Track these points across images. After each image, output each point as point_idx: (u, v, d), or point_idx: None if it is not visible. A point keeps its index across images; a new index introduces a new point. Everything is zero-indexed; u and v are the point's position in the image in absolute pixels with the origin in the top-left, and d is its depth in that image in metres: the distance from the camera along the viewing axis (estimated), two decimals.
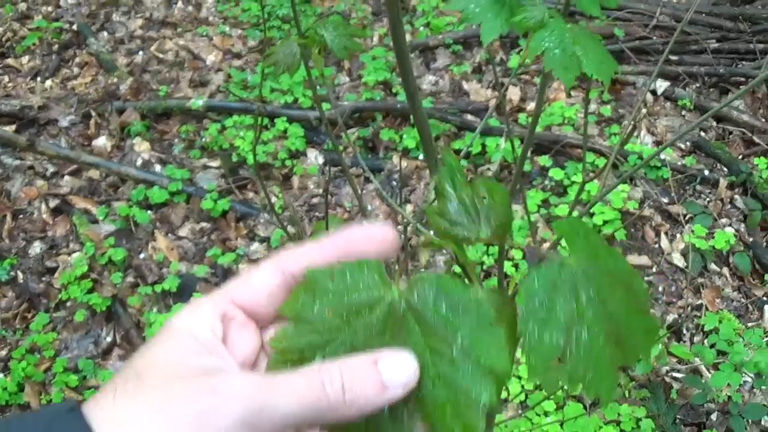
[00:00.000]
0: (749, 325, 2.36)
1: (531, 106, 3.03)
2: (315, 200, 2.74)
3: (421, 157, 2.83)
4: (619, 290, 0.52)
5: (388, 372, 0.47)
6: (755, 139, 2.99)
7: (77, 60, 3.35)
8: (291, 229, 2.60)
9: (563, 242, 0.54)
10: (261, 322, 0.52)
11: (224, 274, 2.53)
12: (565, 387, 0.49)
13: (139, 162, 2.88)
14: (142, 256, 2.60)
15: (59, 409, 0.43)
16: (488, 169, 2.78)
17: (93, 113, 3.05)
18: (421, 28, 3.44)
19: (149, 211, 2.70)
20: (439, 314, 0.49)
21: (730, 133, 3.04)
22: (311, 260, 0.51)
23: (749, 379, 2.22)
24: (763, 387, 2.21)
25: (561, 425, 2.08)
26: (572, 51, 0.73)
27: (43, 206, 2.74)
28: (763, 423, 2.17)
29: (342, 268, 0.51)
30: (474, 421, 0.48)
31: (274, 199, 2.75)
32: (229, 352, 0.49)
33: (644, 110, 2.99)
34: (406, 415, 0.48)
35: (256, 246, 2.62)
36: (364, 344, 0.49)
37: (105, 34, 3.47)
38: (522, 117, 2.99)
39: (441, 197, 0.56)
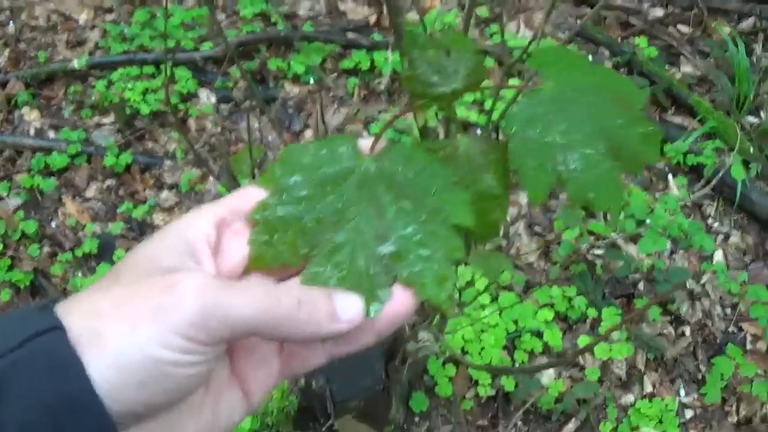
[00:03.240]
0: (657, 195, 2.51)
1: (409, 15, 3.09)
2: (214, 140, 2.77)
3: (311, 81, 2.88)
4: (609, 104, 0.55)
5: (340, 306, 0.50)
6: (631, 20, 3.12)
7: None
8: (197, 171, 2.65)
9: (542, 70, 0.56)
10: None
11: (140, 228, 2.56)
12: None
13: (32, 131, 2.86)
14: (53, 224, 2.61)
15: (33, 308, 0.46)
16: (379, 83, 2.85)
17: None
18: None
19: (52, 178, 2.69)
20: (408, 179, 0.53)
21: (605, 18, 3.16)
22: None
23: (668, 246, 2.37)
24: (685, 249, 2.37)
25: (499, 314, 2.21)
26: None
27: None
28: (687, 287, 2.34)
29: (317, 143, 0.54)
30: (449, 273, 0.51)
31: (174, 145, 2.77)
32: (218, 258, 0.51)
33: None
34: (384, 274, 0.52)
35: (165, 194, 2.65)
36: (341, 212, 0.52)
37: None
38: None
39: (410, 63, 0.57)
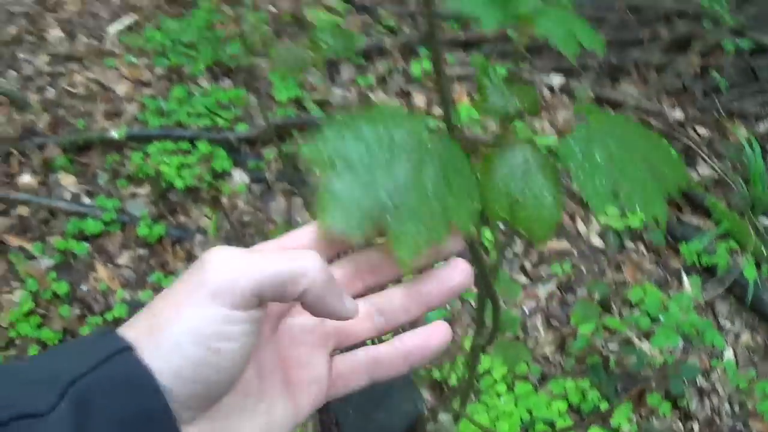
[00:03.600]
0: (671, 293, 2.62)
1: (437, 110, 3.25)
2: (246, 218, 2.87)
3: None
4: (641, 139, 0.67)
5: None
6: (651, 122, 3.29)
7: None
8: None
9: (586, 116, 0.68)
10: None
11: None
12: None
13: (67, 196, 2.95)
14: (85, 287, 2.68)
15: (96, 335, 0.50)
16: None
17: (14, 151, 3.09)
18: (323, 45, 3.60)
19: (86, 243, 2.78)
20: (446, 173, 0.61)
21: None
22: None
23: (680, 344, 2.47)
24: (699, 346, 2.47)
25: (515, 403, 2.29)
26: (570, 29, 0.83)
27: None
28: (697, 383, 2.43)
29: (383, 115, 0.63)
30: (421, 248, 0.58)
31: (206, 221, 2.87)
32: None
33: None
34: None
35: None
36: (403, 180, 0.60)
37: (13, 72, 3.50)
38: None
39: (482, 89, 0.71)
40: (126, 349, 0.48)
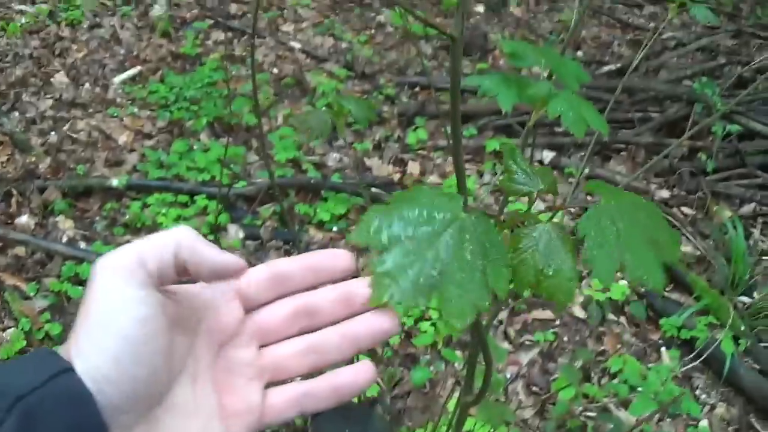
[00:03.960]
0: (649, 365, 2.70)
1: (431, 179, 3.36)
2: None
3: (335, 228, 3.09)
4: (643, 214, 0.75)
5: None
6: None
7: None
8: None
9: (595, 193, 0.76)
10: (246, 303, 0.64)
11: None
12: None
13: (64, 239, 3.01)
14: None
15: (43, 352, 0.55)
16: None
17: (14, 191, 3.15)
18: (324, 109, 3.71)
19: (80, 287, 2.82)
20: (482, 245, 0.68)
21: None
22: (289, 265, 0.65)
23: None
24: (672, 417, 2.55)
25: None
26: (580, 112, 0.92)
27: None
28: None
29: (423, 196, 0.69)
30: (468, 314, 0.65)
31: None
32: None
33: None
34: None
35: None
36: (445, 252, 0.67)
37: (16, 114, 3.58)
38: None
39: (508, 170, 0.78)
40: (68, 370, 0.52)
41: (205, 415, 0.60)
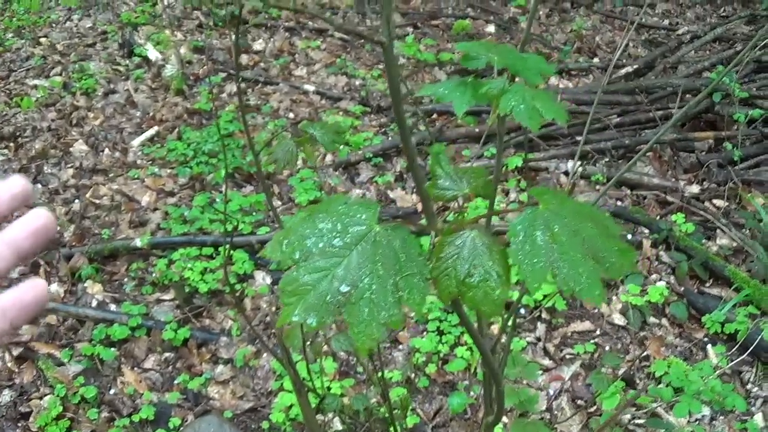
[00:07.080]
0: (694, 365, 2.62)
1: (455, 205, 3.32)
2: (269, 319, 2.92)
3: None
4: (589, 224, 0.71)
5: None
6: (668, 198, 3.35)
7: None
8: (252, 347, 2.78)
9: (538, 199, 0.73)
10: None
11: (195, 398, 2.66)
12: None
13: (94, 303, 3.01)
14: (112, 391, 2.72)
15: None
16: None
17: (41, 262, 3.17)
18: (341, 147, 3.71)
19: (113, 348, 2.82)
20: (396, 259, 0.67)
21: (644, 197, 3.39)
22: None
23: (707, 412, 2.47)
24: (721, 409, 2.46)
25: None
26: (533, 105, 0.87)
27: (7, 356, 2.82)
28: None
29: (338, 206, 0.68)
30: (377, 334, 0.64)
31: (230, 323, 2.92)
32: None
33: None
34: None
35: (221, 368, 2.77)
36: (356, 267, 0.66)
37: (39, 186, 3.62)
38: (449, 215, 3.27)
39: (434, 175, 0.78)
40: None
41: None
